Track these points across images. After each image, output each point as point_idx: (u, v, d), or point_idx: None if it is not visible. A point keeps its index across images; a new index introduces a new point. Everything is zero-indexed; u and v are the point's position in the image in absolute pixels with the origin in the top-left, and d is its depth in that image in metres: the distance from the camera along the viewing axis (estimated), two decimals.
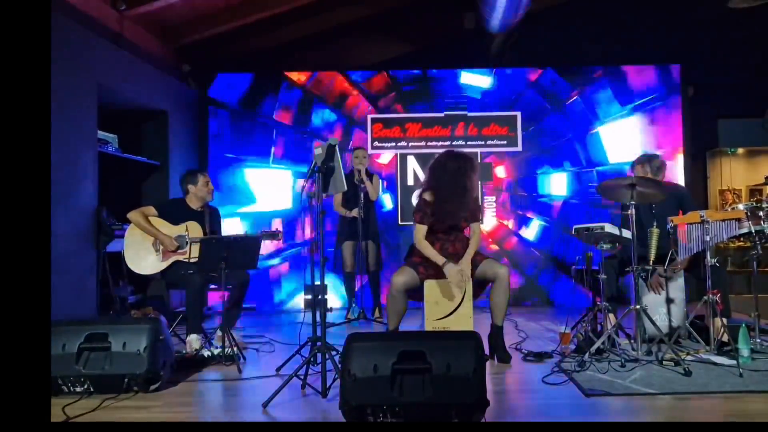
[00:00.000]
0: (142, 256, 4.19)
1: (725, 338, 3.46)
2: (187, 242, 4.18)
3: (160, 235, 4.14)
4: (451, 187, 3.65)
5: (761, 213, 3.50)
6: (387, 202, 6.36)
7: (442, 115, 6.39)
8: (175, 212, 4.28)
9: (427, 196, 3.73)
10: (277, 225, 6.24)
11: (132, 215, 4.17)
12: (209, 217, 4.36)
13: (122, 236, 4.32)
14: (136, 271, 4.20)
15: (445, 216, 3.67)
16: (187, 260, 4.11)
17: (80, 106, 4.49)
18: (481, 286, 3.74)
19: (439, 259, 3.59)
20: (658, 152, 4.58)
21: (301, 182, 3.01)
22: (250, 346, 4.19)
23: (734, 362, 3.18)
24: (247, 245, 3.80)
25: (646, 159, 4.18)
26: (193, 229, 4.23)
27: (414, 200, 3.87)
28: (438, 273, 3.61)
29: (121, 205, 4.52)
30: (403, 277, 3.58)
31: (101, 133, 4.92)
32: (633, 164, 4.25)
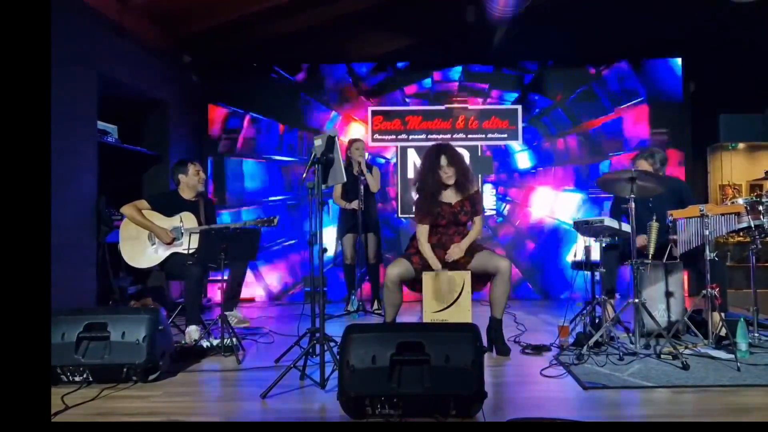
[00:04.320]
0: (139, 250, 4.19)
1: (723, 332, 3.47)
2: (182, 233, 4.17)
3: (155, 228, 4.14)
4: (433, 178, 3.64)
5: (761, 207, 3.50)
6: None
7: (443, 108, 6.38)
8: (169, 204, 4.27)
9: (420, 194, 3.74)
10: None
11: (125, 210, 4.17)
12: (204, 207, 4.36)
13: None
14: (134, 265, 4.20)
15: (440, 209, 3.67)
16: (185, 251, 4.11)
17: (80, 96, 4.48)
18: (482, 279, 3.72)
19: (436, 265, 3.59)
20: (657, 147, 4.58)
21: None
22: (249, 337, 4.19)
23: (732, 356, 3.19)
24: (247, 237, 3.79)
25: (650, 153, 4.18)
26: (188, 220, 4.23)
27: (414, 195, 3.88)
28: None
29: (121, 196, 4.52)
30: (397, 268, 3.58)
31: (101, 124, 4.91)
32: (635, 159, 4.24)
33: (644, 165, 4.10)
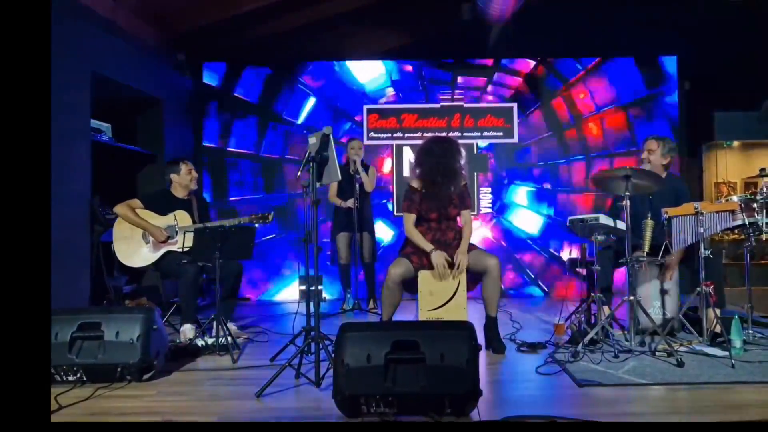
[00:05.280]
0: (133, 249, 4.17)
1: (718, 329, 3.47)
2: (176, 231, 4.16)
3: (149, 227, 4.12)
4: (437, 171, 3.65)
5: (755, 205, 3.51)
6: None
7: (438, 106, 6.37)
8: (162, 203, 4.26)
9: (415, 183, 3.75)
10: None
11: (118, 209, 4.16)
12: (197, 205, 4.35)
13: None
14: (128, 264, 4.18)
15: (432, 201, 3.68)
16: (180, 250, 4.09)
17: (74, 94, 4.46)
18: (473, 279, 3.72)
19: (427, 246, 3.61)
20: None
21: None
22: (244, 336, 4.18)
23: (726, 353, 3.20)
24: (242, 235, 3.77)
25: (661, 137, 4.10)
26: (182, 218, 4.21)
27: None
28: (431, 262, 3.61)
29: (115, 195, 4.50)
30: (399, 268, 3.58)
31: (95, 122, 4.88)
32: (646, 139, 4.15)
33: (653, 146, 4.04)
